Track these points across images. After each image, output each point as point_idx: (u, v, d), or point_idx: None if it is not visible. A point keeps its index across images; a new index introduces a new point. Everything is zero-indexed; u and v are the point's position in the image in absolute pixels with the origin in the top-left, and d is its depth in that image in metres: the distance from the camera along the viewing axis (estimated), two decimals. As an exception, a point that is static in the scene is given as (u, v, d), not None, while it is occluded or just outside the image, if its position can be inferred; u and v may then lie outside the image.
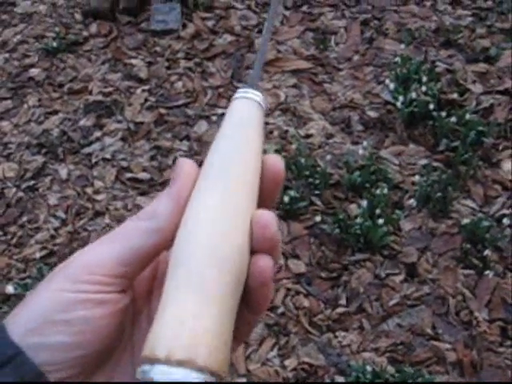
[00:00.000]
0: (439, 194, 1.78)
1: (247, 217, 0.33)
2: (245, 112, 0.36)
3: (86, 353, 0.32)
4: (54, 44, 2.42)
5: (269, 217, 0.32)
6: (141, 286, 0.36)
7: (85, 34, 2.49)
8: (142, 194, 1.98)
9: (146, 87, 2.27)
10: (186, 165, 0.34)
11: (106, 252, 0.33)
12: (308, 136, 2.03)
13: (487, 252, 1.67)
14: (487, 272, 1.66)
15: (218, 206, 0.33)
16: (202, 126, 2.13)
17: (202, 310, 0.31)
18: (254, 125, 0.36)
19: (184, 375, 0.29)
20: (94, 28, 2.51)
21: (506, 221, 1.74)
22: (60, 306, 0.31)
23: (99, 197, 1.99)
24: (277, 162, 0.35)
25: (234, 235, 0.32)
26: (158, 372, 0.30)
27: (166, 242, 0.33)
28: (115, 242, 0.33)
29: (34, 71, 2.40)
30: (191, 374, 0.30)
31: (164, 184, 1.99)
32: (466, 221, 1.74)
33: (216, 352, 0.31)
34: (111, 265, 0.32)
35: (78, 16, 2.56)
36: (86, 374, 0.33)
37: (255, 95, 0.37)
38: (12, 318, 0.32)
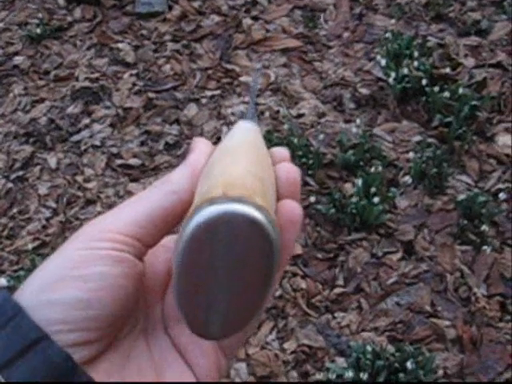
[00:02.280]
0: (434, 171, 1.76)
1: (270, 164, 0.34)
2: (248, 124, 0.38)
3: (100, 314, 0.30)
4: (38, 30, 2.37)
5: (291, 164, 0.34)
6: (155, 282, 0.35)
7: (69, 19, 2.44)
8: (134, 180, 1.95)
9: (134, 71, 2.23)
10: (200, 141, 0.36)
11: (120, 214, 0.32)
12: (300, 116, 2.00)
13: (484, 227, 1.65)
14: (484, 247, 1.64)
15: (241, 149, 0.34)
16: (191, 109, 2.09)
17: (249, 173, 0.30)
18: (258, 132, 0.38)
19: (244, 209, 0.27)
20: (77, 13, 2.46)
21: (502, 195, 1.73)
22: (75, 263, 0.30)
23: (90, 185, 1.96)
24: (284, 151, 0.36)
25: (265, 162, 0.33)
26: (217, 204, 0.27)
27: (182, 206, 0.33)
28: (130, 205, 0.33)
29: (18, 59, 2.35)
30: (251, 209, 0.27)
31: (155, 169, 1.96)
32: (461, 196, 1.73)
33: (268, 205, 0.29)
34: (126, 224, 0.32)
35: (61, 1, 2.51)
36: (98, 345, 0.31)
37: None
38: (25, 283, 0.31)
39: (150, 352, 0.33)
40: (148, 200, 0.33)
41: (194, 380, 0.33)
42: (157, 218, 0.32)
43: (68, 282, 0.30)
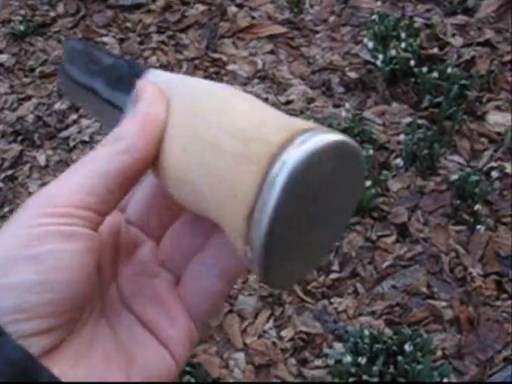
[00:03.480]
0: (426, 152, 1.75)
1: None
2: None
3: (59, 297, 0.27)
4: (21, 27, 2.35)
5: None
6: (104, 257, 0.32)
7: (52, 14, 2.42)
8: (124, 174, 1.94)
9: (120, 65, 2.21)
10: (147, 85, 0.31)
11: (69, 182, 0.28)
12: (289, 102, 1.99)
13: (477, 206, 1.65)
14: (479, 227, 1.64)
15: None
16: (179, 101, 2.08)
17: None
18: None
19: (347, 139, 0.26)
20: (60, 8, 2.43)
21: (494, 174, 1.72)
22: (26, 242, 0.27)
23: (80, 181, 1.94)
24: None
25: None
26: (326, 133, 0.26)
27: (137, 165, 0.29)
28: (78, 171, 0.29)
29: (2, 57, 2.33)
30: (350, 139, 0.26)
31: (146, 163, 1.95)
32: (454, 177, 1.72)
33: None
34: (77, 194, 0.28)
35: (43, -4, 2.48)
36: (59, 332, 0.27)
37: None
38: None
39: (115, 334, 0.30)
40: (97, 164, 0.29)
41: (168, 355, 0.31)
42: (109, 183, 0.28)
43: (20, 263, 0.26)
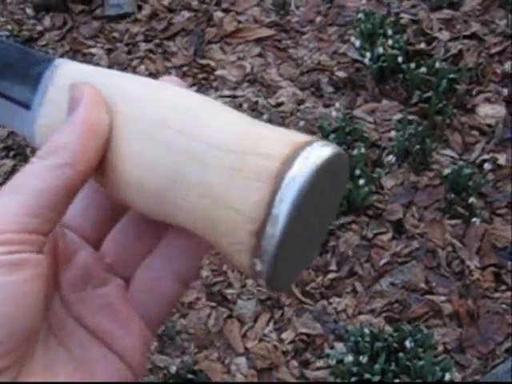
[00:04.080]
0: (418, 147, 1.75)
1: None
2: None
3: (8, 333, 0.24)
4: (9, 42, 2.35)
5: None
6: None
7: (39, 28, 2.41)
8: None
9: (109, 75, 2.21)
10: (85, 87, 0.28)
11: (8, 205, 0.25)
12: (279, 104, 1.99)
13: (472, 199, 1.65)
14: (474, 219, 1.64)
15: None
16: (170, 108, 2.08)
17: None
18: None
19: (340, 149, 0.27)
20: (47, 21, 2.43)
21: (487, 166, 1.72)
22: None
23: (74, 193, 1.94)
24: None
25: None
26: (327, 146, 0.26)
27: (82, 177, 0.27)
28: (17, 191, 0.26)
29: (-9, 73, 2.32)
30: (333, 145, 0.27)
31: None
32: (447, 171, 1.72)
33: None
34: (18, 218, 0.25)
35: (29, 11, 2.48)
36: (14, 368, 0.25)
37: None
38: None
39: (69, 352, 0.28)
40: (35, 180, 0.26)
41: (125, 367, 0.28)
42: (51, 200, 0.26)
43: None
